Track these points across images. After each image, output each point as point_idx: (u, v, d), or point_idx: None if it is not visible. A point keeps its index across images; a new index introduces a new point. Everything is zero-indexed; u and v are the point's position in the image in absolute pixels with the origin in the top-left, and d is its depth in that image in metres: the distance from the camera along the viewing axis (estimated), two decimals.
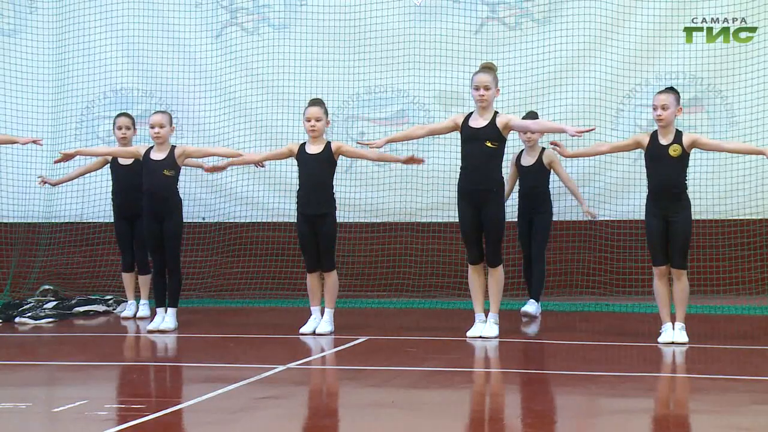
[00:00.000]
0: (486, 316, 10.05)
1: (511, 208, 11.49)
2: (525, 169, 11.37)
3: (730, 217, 12.21)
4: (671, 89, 9.68)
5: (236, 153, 11.11)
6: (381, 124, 12.92)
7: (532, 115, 11.43)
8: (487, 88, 9.90)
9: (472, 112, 10.05)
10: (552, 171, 11.31)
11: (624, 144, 10.14)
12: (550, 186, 11.37)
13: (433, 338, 10.18)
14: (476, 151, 9.93)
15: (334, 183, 10.38)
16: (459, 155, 10.15)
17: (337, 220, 10.46)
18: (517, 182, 11.48)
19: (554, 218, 11.51)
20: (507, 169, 11.07)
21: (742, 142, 11.83)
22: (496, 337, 9.93)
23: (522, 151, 11.38)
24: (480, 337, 9.93)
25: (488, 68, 10.04)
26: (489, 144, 9.90)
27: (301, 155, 10.36)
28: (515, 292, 11.95)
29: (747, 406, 7.48)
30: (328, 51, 13.00)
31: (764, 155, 9.75)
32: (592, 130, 9.98)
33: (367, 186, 12.83)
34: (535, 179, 11.31)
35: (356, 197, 12.73)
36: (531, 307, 11.29)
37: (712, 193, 12.13)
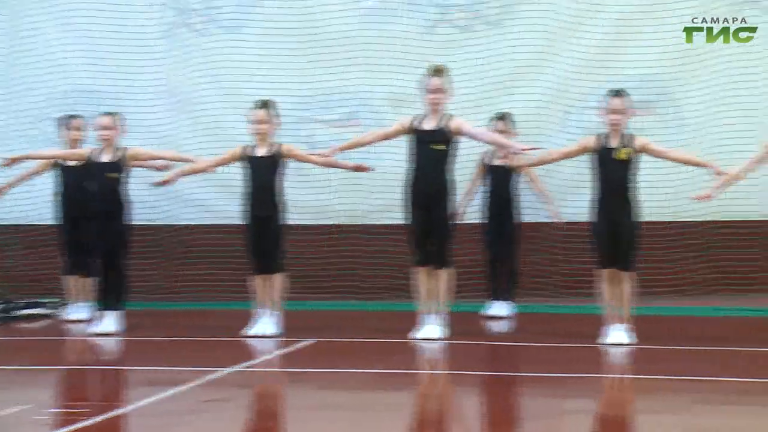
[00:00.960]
0: (434, 318, 10.05)
1: (471, 209, 11.53)
2: (495, 169, 11.39)
3: (677, 219, 12.28)
4: (624, 92, 9.73)
5: (185, 157, 11.05)
6: (332, 126, 12.88)
7: (507, 115, 11.46)
8: (440, 92, 9.93)
9: (422, 115, 10.05)
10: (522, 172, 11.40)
11: (573, 150, 10.07)
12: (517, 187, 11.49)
13: (381, 340, 10.17)
14: (427, 153, 9.96)
15: (283, 185, 10.36)
16: (409, 157, 10.14)
17: (286, 223, 10.44)
18: (488, 183, 11.50)
19: None
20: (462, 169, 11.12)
21: (689, 148, 11.87)
22: (443, 339, 9.94)
23: (490, 150, 11.39)
24: (427, 339, 9.93)
25: (440, 71, 10.05)
26: (440, 147, 9.94)
27: (249, 158, 10.35)
28: (467, 294, 11.96)
29: (690, 406, 7.53)
30: (279, 53, 12.96)
31: (709, 168, 9.78)
32: (537, 149, 9.96)
33: (318, 188, 12.79)
34: (506, 180, 11.34)
35: (306, 199, 12.68)
36: (498, 309, 11.36)
37: (659, 195, 12.19)
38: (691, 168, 12.02)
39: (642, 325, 9.82)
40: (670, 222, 12.25)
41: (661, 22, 12.50)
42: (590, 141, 9.79)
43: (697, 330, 10.92)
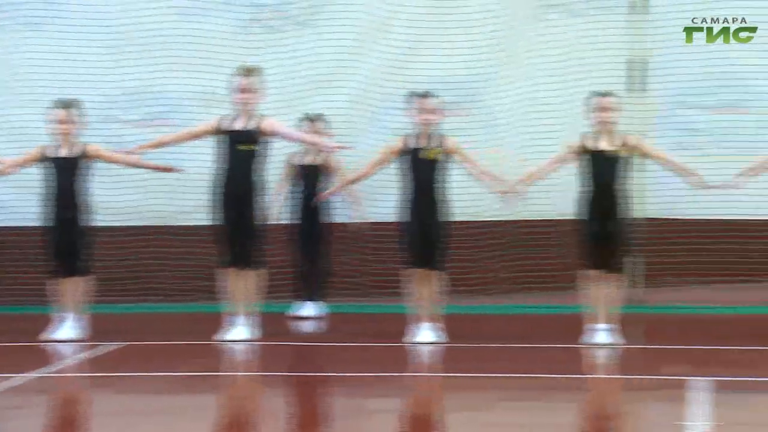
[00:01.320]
0: (244, 319, 9.97)
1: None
2: (305, 169, 11.36)
3: (480, 219, 12.44)
4: (432, 93, 9.83)
5: None
6: (138, 125, 12.62)
7: (318, 116, 11.45)
8: (249, 92, 9.88)
9: (231, 115, 9.99)
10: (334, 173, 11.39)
11: (382, 158, 10.04)
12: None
13: (189, 342, 10.02)
14: (235, 154, 9.93)
15: (86, 186, 10.16)
16: (218, 158, 10.04)
17: (91, 224, 10.22)
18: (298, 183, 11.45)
19: None
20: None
21: (500, 149, 12.05)
22: (252, 340, 9.86)
23: (300, 150, 11.36)
24: (236, 340, 9.85)
25: (250, 71, 10.01)
26: (249, 147, 9.91)
27: (52, 159, 10.13)
28: (278, 294, 11.88)
29: (497, 403, 7.65)
30: (84, 50, 12.63)
31: (498, 183, 9.97)
32: (348, 148, 10.00)
33: (127, 189, 12.54)
34: (315, 180, 11.33)
35: (115, 200, 12.41)
36: (308, 309, 11.34)
37: (466, 195, 12.32)
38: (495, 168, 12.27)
39: (449, 324, 9.92)
40: (474, 222, 12.36)
41: (471, 24, 12.63)
42: (397, 144, 9.86)
43: (501, 328, 11.13)
